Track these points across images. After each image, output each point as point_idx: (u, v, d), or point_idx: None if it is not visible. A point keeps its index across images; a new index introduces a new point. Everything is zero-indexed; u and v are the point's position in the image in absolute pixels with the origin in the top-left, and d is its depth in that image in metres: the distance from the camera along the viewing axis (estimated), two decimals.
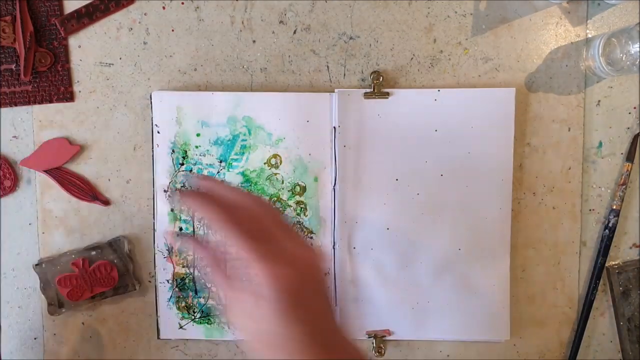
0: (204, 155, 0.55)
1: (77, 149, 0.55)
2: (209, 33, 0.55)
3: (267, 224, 0.37)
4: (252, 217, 0.37)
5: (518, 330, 0.57)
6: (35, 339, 0.57)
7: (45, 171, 0.55)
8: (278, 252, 0.36)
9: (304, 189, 0.55)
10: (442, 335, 0.57)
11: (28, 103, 0.55)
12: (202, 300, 0.56)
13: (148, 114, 0.55)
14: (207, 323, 0.56)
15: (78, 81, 0.55)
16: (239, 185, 0.55)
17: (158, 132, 0.55)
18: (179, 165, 0.55)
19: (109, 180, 0.56)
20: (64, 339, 0.57)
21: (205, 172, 0.55)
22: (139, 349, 0.57)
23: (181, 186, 0.54)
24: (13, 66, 0.55)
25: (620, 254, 0.57)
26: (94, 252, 0.55)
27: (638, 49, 0.51)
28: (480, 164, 0.54)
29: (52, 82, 0.55)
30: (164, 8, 0.55)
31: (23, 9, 0.54)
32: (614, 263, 0.57)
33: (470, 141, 0.55)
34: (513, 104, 0.54)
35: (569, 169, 0.56)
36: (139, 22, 0.55)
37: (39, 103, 0.55)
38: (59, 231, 0.56)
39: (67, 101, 0.55)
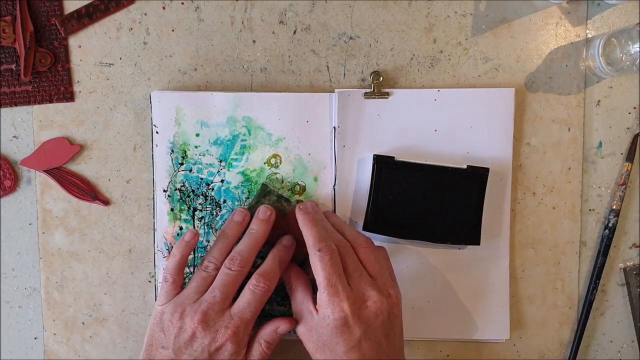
0: (204, 155, 0.55)
1: (77, 149, 0.55)
2: (209, 33, 0.55)
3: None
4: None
5: (518, 330, 0.57)
6: (35, 339, 0.57)
7: (45, 171, 0.55)
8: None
9: (303, 188, 0.55)
10: (442, 335, 0.57)
11: (28, 103, 0.55)
12: None
13: (148, 114, 0.55)
14: None
15: (78, 81, 0.55)
16: (240, 184, 0.55)
17: (157, 132, 0.55)
18: (179, 165, 0.55)
19: (109, 180, 0.56)
20: (64, 339, 0.57)
21: (205, 172, 0.55)
22: (139, 349, 0.57)
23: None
24: (13, 66, 0.55)
25: (620, 254, 0.57)
26: None
27: (638, 49, 0.51)
28: (480, 163, 0.54)
29: (52, 82, 0.55)
30: (164, 8, 0.55)
31: (23, 9, 0.54)
32: (630, 264, 0.57)
33: (470, 141, 0.55)
34: (512, 104, 0.54)
35: (569, 169, 0.56)
36: (139, 22, 0.55)
37: (39, 103, 0.55)
38: (59, 231, 0.56)
39: (67, 101, 0.55)
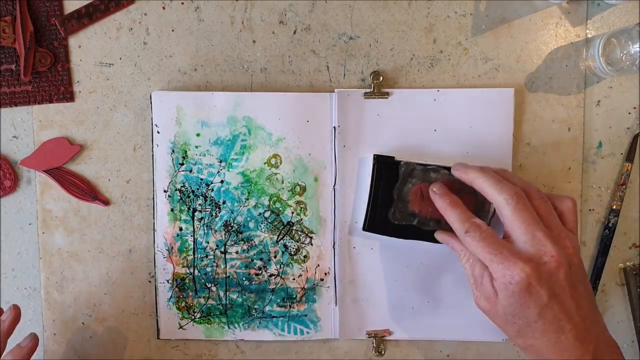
0: (204, 155, 0.55)
1: (77, 149, 0.55)
2: (209, 33, 0.55)
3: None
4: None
5: None
6: None
7: (45, 171, 0.55)
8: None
9: (304, 189, 0.55)
10: (442, 335, 0.57)
11: (28, 103, 0.55)
12: (202, 300, 0.56)
13: (148, 114, 0.55)
14: (207, 323, 0.56)
15: (78, 81, 0.55)
16: (239, 185, 0.55)
17: (158, 132, 0.55)
18: (179, 165, 0.55)
19: (109, 180, 0.56)
20: (64, 339, 0.57)
21: (205, 172, 0.55)
22: (139, 349, 0.57)
23: None
24: (13, 66, 0.55)
25: (620, 254, 0.57)
26: None
27: (638, 49, 0.51)
28: (480, 164, 0.54)
29: (52, 82, 0.55)
30: (164, 8, 0.55)
31: (23, 9, 0.54)
32: (630, 264, 0.57)
33: (470, 141, 0.55)
34: (512, 104, 0.54)
35: (569, 169, 0.56)
36: (139, 22, 0.55)
37: (39, 103, 0.55)
38: (59, 231, 0.56)
39: (67, 101, 0.55)
